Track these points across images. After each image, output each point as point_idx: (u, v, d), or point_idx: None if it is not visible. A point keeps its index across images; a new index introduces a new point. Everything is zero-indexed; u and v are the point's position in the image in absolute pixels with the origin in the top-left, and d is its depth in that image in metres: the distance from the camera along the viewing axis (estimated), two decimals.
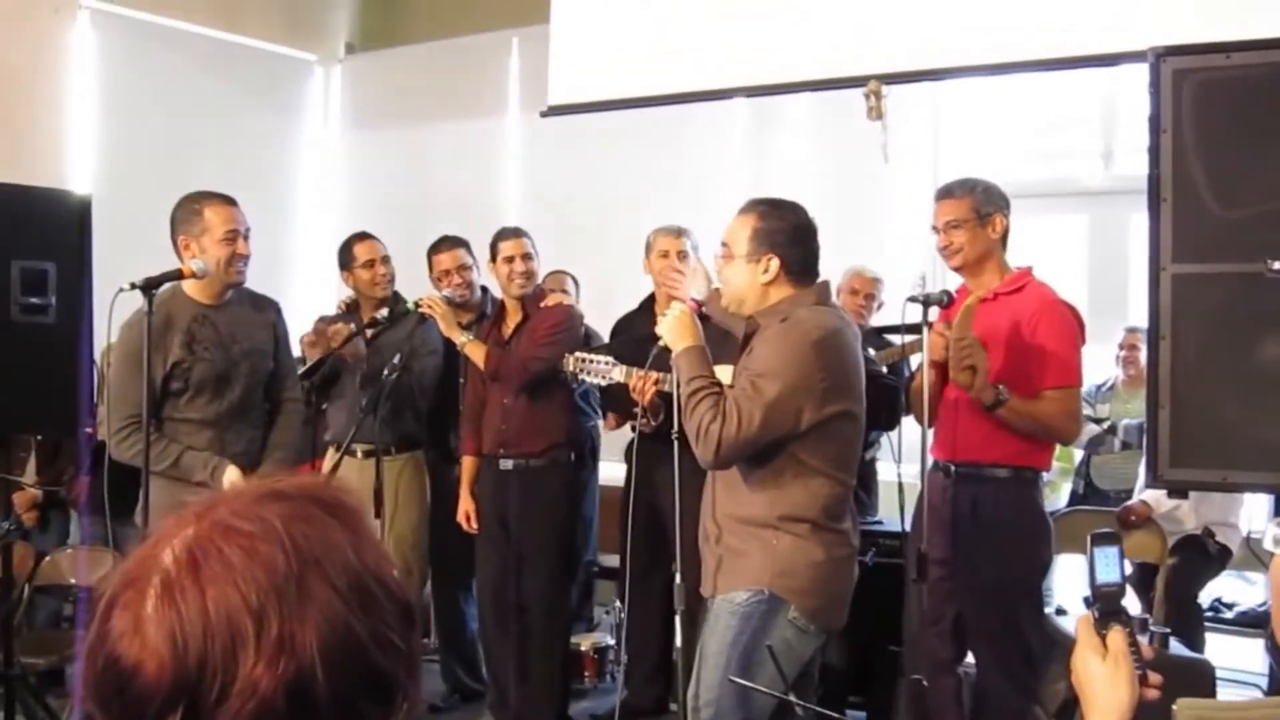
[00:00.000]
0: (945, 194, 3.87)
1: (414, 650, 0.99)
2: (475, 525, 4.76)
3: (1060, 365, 3.71)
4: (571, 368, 4.27)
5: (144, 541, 0.97)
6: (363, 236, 5.07)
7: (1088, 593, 1.60)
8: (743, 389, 3.03)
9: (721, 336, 3.68)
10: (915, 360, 4.12)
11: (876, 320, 5.31)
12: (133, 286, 3.51)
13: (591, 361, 4.24)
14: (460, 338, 4.66)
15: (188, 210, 3.78)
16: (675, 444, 3.20)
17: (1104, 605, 1.58)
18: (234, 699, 0.88)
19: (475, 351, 4.64)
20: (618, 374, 4.12)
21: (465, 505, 4.79)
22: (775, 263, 3.12)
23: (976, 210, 3.78)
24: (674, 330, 3.15)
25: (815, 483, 3.10)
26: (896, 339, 4.82)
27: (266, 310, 4.06)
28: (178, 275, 3.67)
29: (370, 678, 0.94)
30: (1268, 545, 1.36)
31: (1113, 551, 1.59)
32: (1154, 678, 1.55)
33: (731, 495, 3.18)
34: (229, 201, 3.83)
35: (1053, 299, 3.79)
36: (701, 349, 3.14)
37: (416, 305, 4.59)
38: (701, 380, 3.07)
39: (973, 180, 3.89)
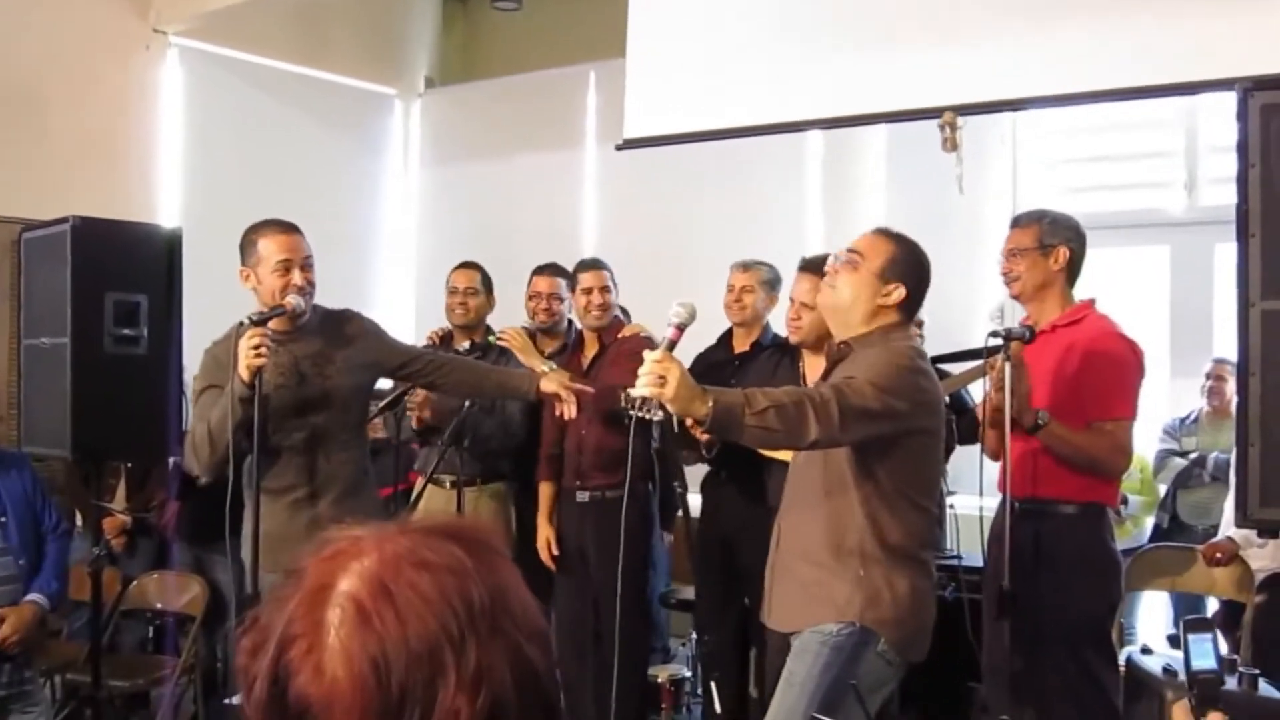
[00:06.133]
0: (1014, 223, 3.87)
1: None
2: (555, 551, 4.75)
3: (1109, 397, 3.64)
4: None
5: (295, 573, 0.99)
6: (461, 265, 5.14)
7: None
8: (841, 378, 2.96)
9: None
10: (975, 390, 4.04)
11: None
12: (250, 321, 3.46)
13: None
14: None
15: (246, 241, 3.68)
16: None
17: (1201, 691, 1.57)
18: None
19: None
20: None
21: (544, 533, 4.80)
22: (900, 292, 3.11)
23: (1040, 240, 3.75)
24: (678, 393, 2.74)
25: (903, 511, 3.07)
26: (946, 368, 4.75)
27: (347, 323, 3.86)
28: (281, 311, 3.57)
29: (546, 710, 0.98)
30: None
31: (1207, 638, 1.59)
32: None
33: (811, 527, 3.14)
34: (286, 229, 3.66)
35: (1109, 330, 3.71)
36: (719, 397, 2.81)
37: (498, 337, 4.60)
38: (761, 398, 2.81)
39: (1043, 211, 3.86)
